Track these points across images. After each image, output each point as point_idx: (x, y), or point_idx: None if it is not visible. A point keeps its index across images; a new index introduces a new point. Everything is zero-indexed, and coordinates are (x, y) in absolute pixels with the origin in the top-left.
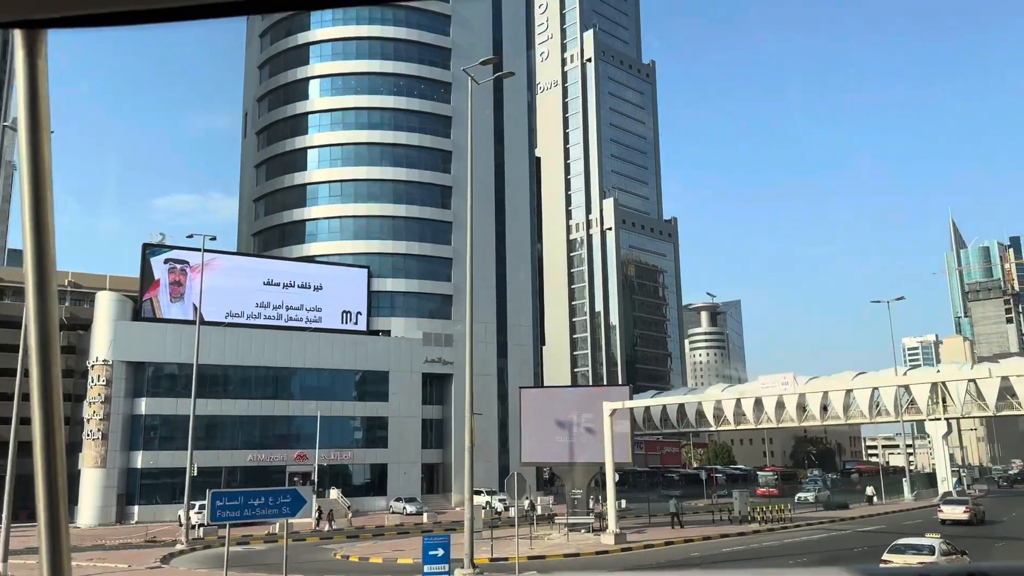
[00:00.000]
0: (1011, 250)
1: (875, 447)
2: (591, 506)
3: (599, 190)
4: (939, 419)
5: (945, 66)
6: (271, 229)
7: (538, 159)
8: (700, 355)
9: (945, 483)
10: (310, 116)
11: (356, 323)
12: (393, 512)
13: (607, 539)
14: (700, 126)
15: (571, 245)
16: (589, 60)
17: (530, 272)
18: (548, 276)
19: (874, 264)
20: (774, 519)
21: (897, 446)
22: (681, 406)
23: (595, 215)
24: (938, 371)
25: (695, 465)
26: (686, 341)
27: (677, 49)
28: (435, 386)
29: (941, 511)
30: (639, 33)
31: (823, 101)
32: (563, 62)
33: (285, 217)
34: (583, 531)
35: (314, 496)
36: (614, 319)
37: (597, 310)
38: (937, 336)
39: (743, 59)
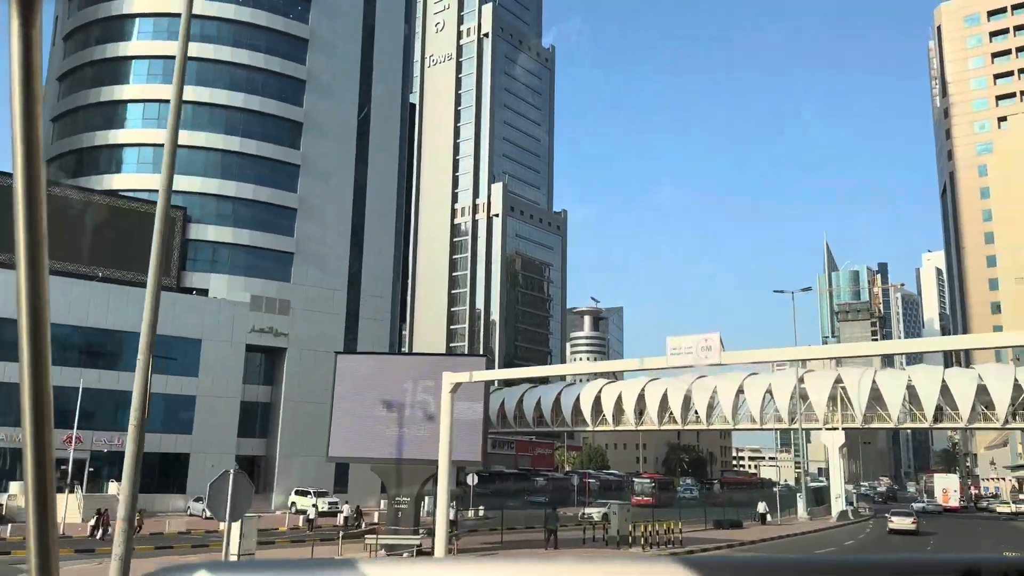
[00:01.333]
0: (879, 275)
1: (743, 457)
2: (451, 516)
3: (488, 174)
4: (836, 428)
5: (834, 103)
6: (68, 154)
7: (417, 109)
8: (581, 358)
9: (840, 500)
10: (129, 20)
11: (164, 275)
12: (190, 514)
13: None
14: (593, 132)
15: (455, 230)
16: (486, 35)
17: (394, 235)
18: (429, 263)
19: (759, 286)
20: (661, 541)
21: (763, 457)
22: (557, 400)
23: (483, 200)
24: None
25: (567, 469)
26: (568, 344)
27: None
28: (263, 362)
29: (891, 522)
30: (540, 15)
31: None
32: (459, 35)
33: (86, 140)
34: (405, 554)
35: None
36: (495, 312)
37: (478, 301)
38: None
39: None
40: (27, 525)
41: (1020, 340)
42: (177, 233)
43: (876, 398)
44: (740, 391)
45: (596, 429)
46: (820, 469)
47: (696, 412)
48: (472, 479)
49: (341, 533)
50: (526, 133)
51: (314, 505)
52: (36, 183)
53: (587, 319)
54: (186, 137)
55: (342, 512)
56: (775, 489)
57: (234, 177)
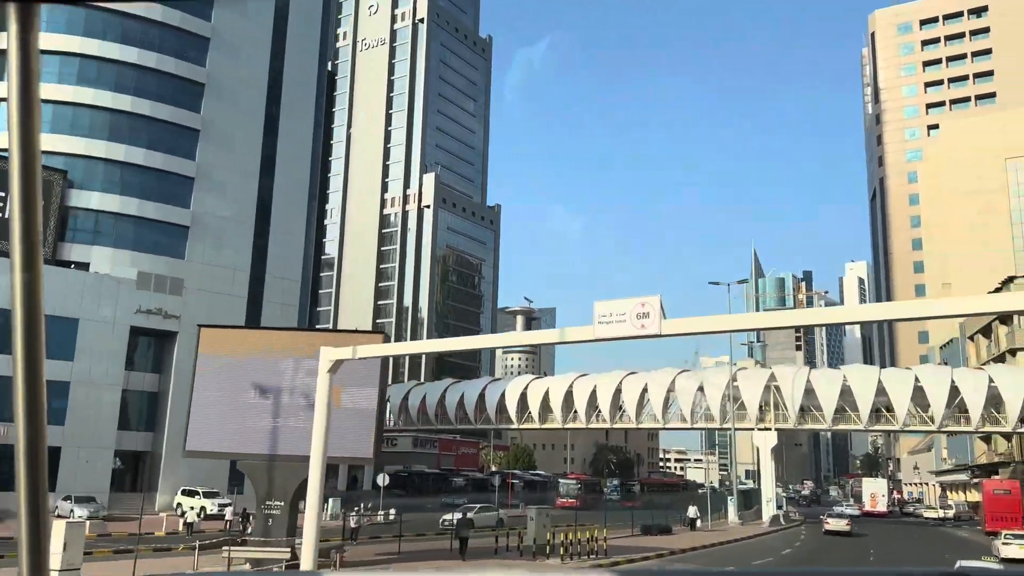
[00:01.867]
0: (803, 282)
1: (669, 459)
2: (354, 523)
3: (420, 164)
4: (769, 428)
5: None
6: None
7: (348, 95)
8: (512, 359)
9: (771, 504)
10: None
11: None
12: (58, 515)
13: None
14: (530, 133)
15: (385, 221)
16: (421, 21)
17: (306, 215)
18: (357, 254)
19: (691, 292)
20: (584, 551)
21: (689, 459)
22: (481, 396)
23: (414, 190)
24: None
25: (494, 469)
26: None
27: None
28: (151, 347)
29: (827, 524)
30: (478, 4)
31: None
32: (393, 19)
33: None
34: (275, 568)
35: None
36: (424, 307)
37: (407, 296)
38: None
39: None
40: (19, 523)
41: None
42: (55, 199)
43: (810, 398)
44: (671, 389)
45: (521, 427)
46: (747, 471)
47: (624, 410)
48: (383, 479)
49: (198, 543)
50: (461, 124)
51: (201, 507)
52: (33, 188)
53: (520, 319)
54: (70, 93)
55: (226, 516)
56: (700, 491)
57: (124, 140)
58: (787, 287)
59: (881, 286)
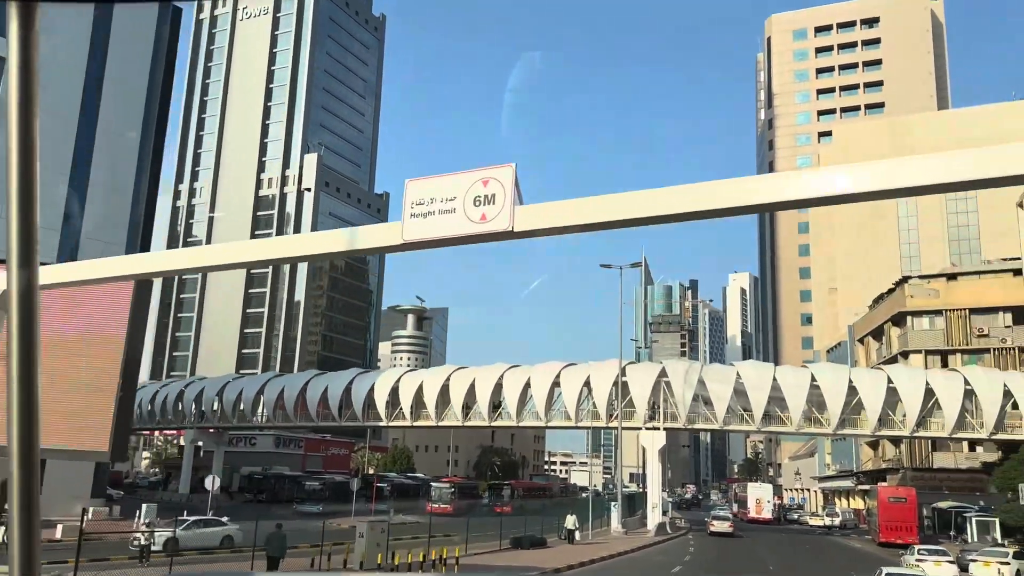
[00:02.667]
0: (690, 291)
1: (555, 461)
2: (143, 539)
3: (302, 144)
4: (657, 428)
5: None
6: None
7: (225, 66)
8: (401, 358)
9: (657, 510)
10: None
11: None
12: None
13: None
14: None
15: (261, 203)
16: None
17: (135, 174)
18: (228, 236)
19: (583, 304)
20: (428, 571)
21: (574, 462)
22: (348, 390)
23: (293, 171)
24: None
25: (371, 471)
26: (389, 343)
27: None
28: None
29: (712, 525)
30: None
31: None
32: None
33: None
34: None
35: None
36: (301, 298)
37: (282, 286)
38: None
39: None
40: (10, 526)
41: None
42: None
43: (701, 397)
44: (556, 383)
45: (390, 424)
46: (632, 475)
47: (505, 407)
48: (212, 483)
49: None
50: (349, 105)
51: None
52: (31, 182)
53: (411, 318)
54: None
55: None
56: (584, 496)
57: None
58: (674, 295)
59: (767, 293)
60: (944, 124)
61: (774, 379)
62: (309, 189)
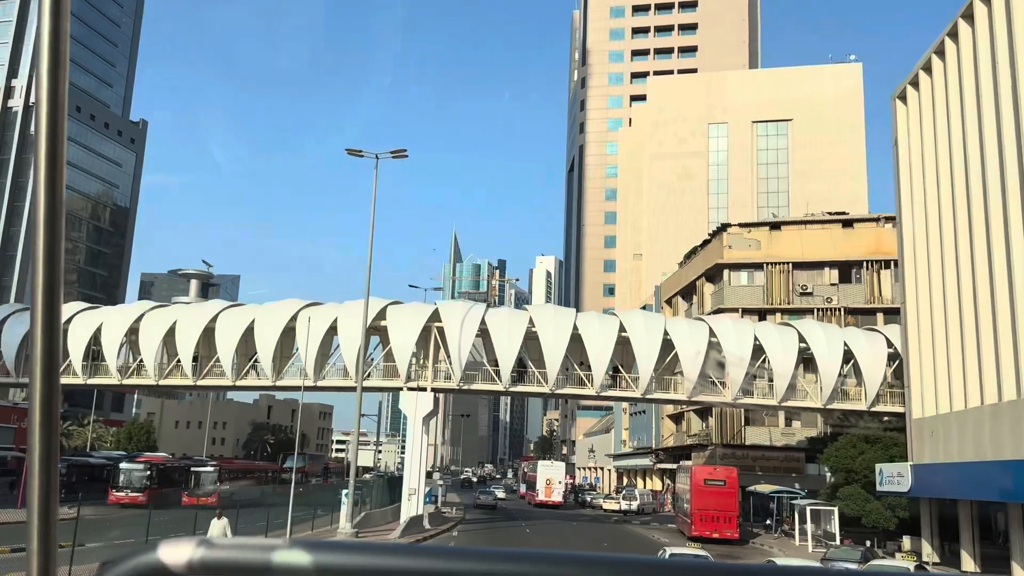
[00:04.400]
0: (498, 270)
1: (346, 440)
2: None
3: (31, 51)
4: (424, 389)
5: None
6: None
7: None
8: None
9: (414, 499)
10: None
11: None
12: None
13: None
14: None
15: None
16: None
17: None
18: None
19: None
20: None
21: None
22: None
23: (21, 82)
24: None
25: (107, 448)
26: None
27: None
28: None
29: (479, 499)
30: None
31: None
32: None
33: None
34: None
35: None
36: (19, 240)
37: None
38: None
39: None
40: (28, 526)
41: None
42: None
43: (487, 350)
44: (333, 330)
45: (126, 382)
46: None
47: (259, 364)
48: None
49: None
50: (98, 9)
51: None
52: (59, 157)
53: (194, 283)
54: None
55: None
56: (367, 477)
57: None
58: (483, 272)
59: (571, 273)
60: (759, 84)
61: (575, 327)
62: (32, 105)
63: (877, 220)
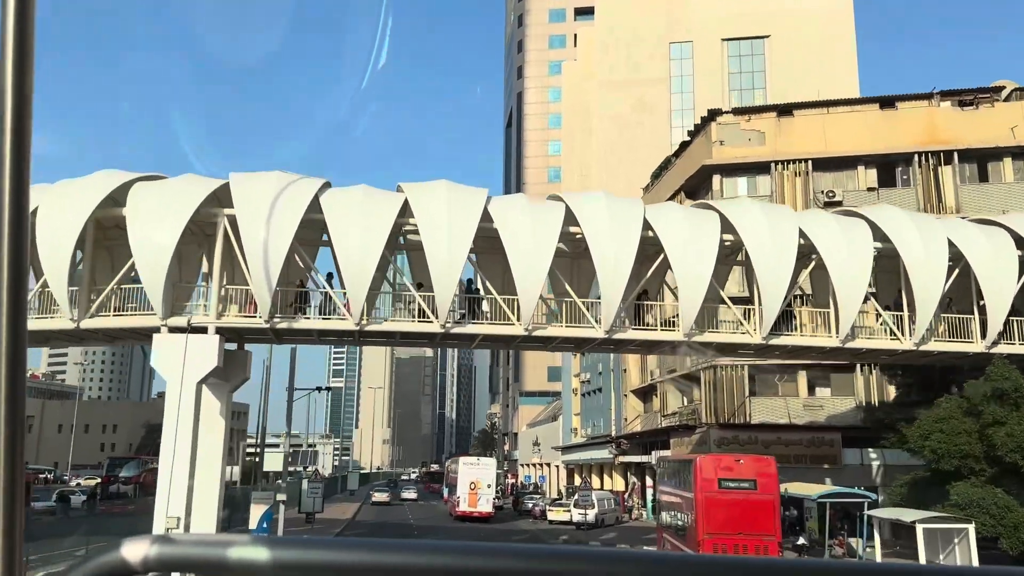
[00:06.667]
0: None
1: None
2: None
3: None
4: (204, 329)
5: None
6: None
7: None
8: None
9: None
10: None
11: None
12: None
13: None
14: None
15: None
16: None
17: None
18: None
19: None
20: None
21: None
22: None
23: None
24: None
25: None
26: None
27: None
28: None
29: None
30: None
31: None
32: None
33: None
34: None
35: None
36: None
37: None
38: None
39: None
40: None
41: None
42: None
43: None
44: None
45: None
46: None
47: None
48: None
49: None
50: None
51: None
52: (25, 134)
53: None
54: None
55: None
56: (280, 484)
57: None
58: None
59: None
60: None
61: (485, 208)
62: None
63: (930, 97)
